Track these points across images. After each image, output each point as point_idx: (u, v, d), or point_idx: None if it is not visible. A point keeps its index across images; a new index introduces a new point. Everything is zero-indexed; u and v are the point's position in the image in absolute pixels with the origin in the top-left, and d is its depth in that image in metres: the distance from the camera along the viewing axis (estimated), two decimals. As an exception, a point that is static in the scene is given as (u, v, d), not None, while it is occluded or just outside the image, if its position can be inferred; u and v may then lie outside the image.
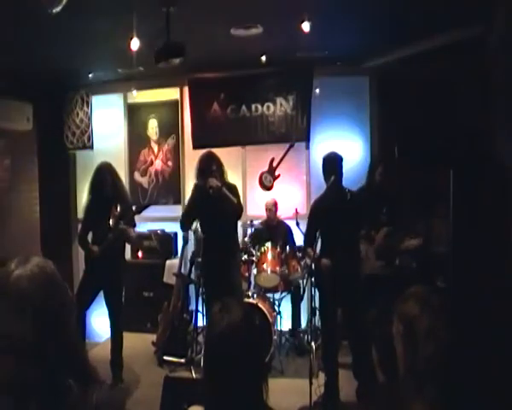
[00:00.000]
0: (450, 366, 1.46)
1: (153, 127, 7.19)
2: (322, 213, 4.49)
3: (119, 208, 4.88)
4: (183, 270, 5.95)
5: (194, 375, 4.99)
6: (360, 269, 4.56)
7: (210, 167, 4.74)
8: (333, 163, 4.44)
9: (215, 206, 4.68)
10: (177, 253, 6.78)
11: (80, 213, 6.87)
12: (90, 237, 5.01)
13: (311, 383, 4.02)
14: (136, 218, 5.01)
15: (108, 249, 4.77)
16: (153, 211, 6.65)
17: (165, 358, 5.43)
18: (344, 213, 4.34)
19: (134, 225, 5.03)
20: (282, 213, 6.33)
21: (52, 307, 1.43)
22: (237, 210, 4.79)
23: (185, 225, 5.13)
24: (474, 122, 4.71)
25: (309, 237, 4.56)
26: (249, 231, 6.23)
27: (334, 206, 4.39)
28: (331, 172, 4.40)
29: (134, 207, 4.97)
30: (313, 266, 4.38)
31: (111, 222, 4.82)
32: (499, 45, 4.33)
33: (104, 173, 4.92)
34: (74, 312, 1.52)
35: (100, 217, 4.87)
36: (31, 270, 1.45)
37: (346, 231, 4.32)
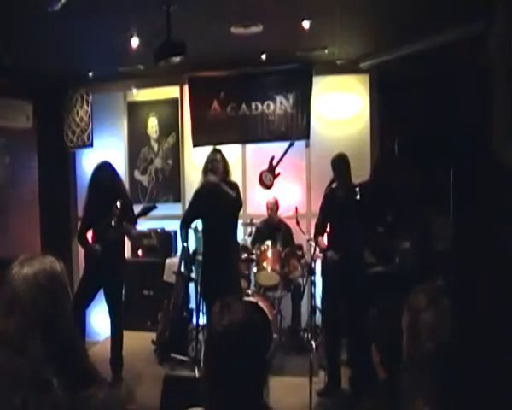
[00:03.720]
0: (451, 363, 1.47)
1: (153, 125, 7.19)
2: (332, 205, 4.64)
3: (119, 205, 4.88)
4: (182, 268, 5.95)
5: (196, 374, 4.98)
6: (363, 264, 4.61)
7: (213, 164, 4.73)
8: (341, 163, 4.59)
9: (214, 202, 4.67)
10: (176, 251, 6.78)
11: (80, 212, 6.88)
12: (89, 235, 5.03)
13: (311, 382, 4.03)
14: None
15: (109, 248, 4.78)
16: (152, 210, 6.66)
17: (171, 355, 5.40)
18: (352, 208, 4.46)
19: (135, 223, 5.04)
20: (282, 212, 6.33)
21: (41, 309, 1.46)
22: (235, 203, 4.76)
23: (185, 224, 5.12)
24: (475, 121, 4.71)
25: (319, 227, 4.77)
26: (249, 229, 6.23)
27: (343, 200, 4.54)
28: (340, 172, 4.56)
29: (140, 208, 4.98)
30: (321, 256, 4.63)
31: (112, 221, 4.82)
32: (499, 44, 4.33)
33: (104, 172, 4.93)
34: (71, 313, 1.53)
35: (100, 215, 4.87)
36: (26, 272, 1.49)
37: (352, 225, 4.44)
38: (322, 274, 4.84)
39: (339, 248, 4.55)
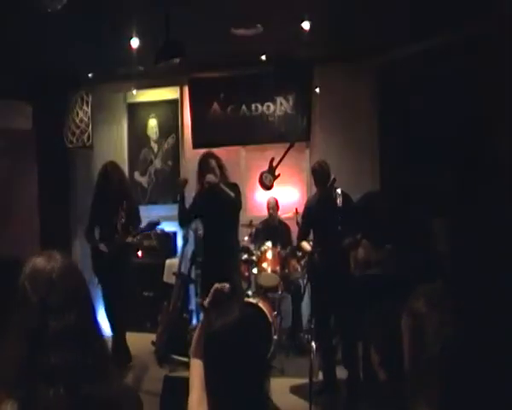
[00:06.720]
0: (456, 365, 1.46)
1: (152, 127, 7.19)
2: (313, 212, 4.70)
3: (125, 207, 4.94)
4: (182, 269, 5.95)
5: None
6: (349, 268, 4.61)
7: (208, 166, 4.73)
8: (320, 171, 4.62)
9: (213, 203, 4.66)
10: (176, 252, 6.77)
11: (80, 213, 6.89)
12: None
13: (311, 383, 4.02)
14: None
15: (115, 248, 4.85)
16: (152, 210, 6.66)
17: (171, 356, 5.40)
18: (332, 215, 4.39)
19: (139, 223, 5.11)
20: (282, 213, 6.33)
21: (85, 299, 1.49)
22: (235, 204, 4.74)
23: (183, 221, 5.11)
24: (475, 121, 4.71)
25: (302, 233, 4.88)
26: (250, 230, 6.22)
27: (324, 207, 4.54)
28: (320, 179, 4.60)
29: (146, 224, 5.03)
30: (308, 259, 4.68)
31: (118, 223, 4.87)
32: (502, 44, 4.33)
33: (111, 171, 5.00)
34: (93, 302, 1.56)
35: (106, 214, 4.94)
36: (66, 263, 1.49)
37: (334, 232, 4.38)
38: (309, 278, 4.85)
39: (323, 251, 4.51)
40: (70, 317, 1.40)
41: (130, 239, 4.89)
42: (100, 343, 1.50)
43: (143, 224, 5.03)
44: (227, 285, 1.93)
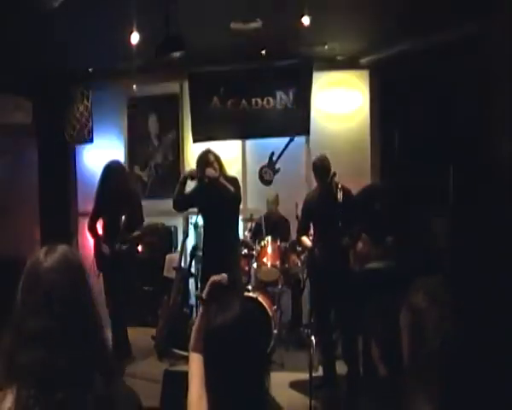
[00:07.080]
0: (455, 361, 1.46)
1: (153, 121, 7.18)
2: (313, 207, 4.70)
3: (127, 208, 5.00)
4: (183, 264, 5.96)
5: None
6: (349, 263, 4.61)
7: (207, 160, 4.73)
8: (321, 166, 4.60)
9: (213, 197, 4.66)
10: (177, 247, 6.78)
11: (81, 208, 6.92)
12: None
13: (311, 377, 4.04)
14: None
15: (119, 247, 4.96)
16: (152, 205, 6.66)
17: (171, 350, 5.42)
18: (333, 210, 4.39)
19: (142, 221, 5.22)
20: (282, 207, 6.32)
21: (79, 298, 1.46)
22: (235, 198, 4.74)
23: (179, 205, 5.08)
24: (475, 121, 4.71)
25: (301, 228, 4.89)
26: (249, 225, 6.23)
27: (323, 202, 4.55)
28: (321, 174, 4.59)
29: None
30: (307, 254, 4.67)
31: (121, 222, 4.90)
32: (500, 44, 4.32)
33: (114, 170, 5.07)
34: (95, 299, 1.54)
35: (109, 211, 5.00)
36: (58, 261, 1.47)
37: (334, 227, 4.38)
38: (309, 273, 4.86)
39: (323, 246, 4.52)
40: (63, 312, 1.40)
41: (125, 249, 5.02)
42: (100, 340, 1.49)
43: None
44: (225, 276, 1.91)
